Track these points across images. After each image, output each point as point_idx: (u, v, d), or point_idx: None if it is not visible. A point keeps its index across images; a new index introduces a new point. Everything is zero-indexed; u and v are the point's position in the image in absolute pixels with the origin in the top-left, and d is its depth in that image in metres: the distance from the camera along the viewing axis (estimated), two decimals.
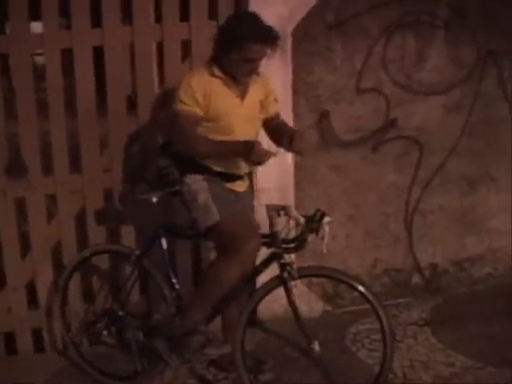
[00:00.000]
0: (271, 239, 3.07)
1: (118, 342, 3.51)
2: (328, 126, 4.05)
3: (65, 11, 3.68)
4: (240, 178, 3.29)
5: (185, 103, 3.07)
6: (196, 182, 3.16)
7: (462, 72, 4.24)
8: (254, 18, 3.08)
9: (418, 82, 4.17)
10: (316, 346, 3.06)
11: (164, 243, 3.35)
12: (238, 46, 3.01)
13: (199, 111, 3.09)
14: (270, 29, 3.03)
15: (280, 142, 3.12)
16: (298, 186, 4.01)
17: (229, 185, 3.24)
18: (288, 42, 3.81)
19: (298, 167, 3.99)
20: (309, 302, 4.17)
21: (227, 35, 3.06)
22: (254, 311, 4.00)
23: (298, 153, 3.22)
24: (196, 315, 3.21)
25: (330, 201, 4.15)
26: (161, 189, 3.30)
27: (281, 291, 3.15)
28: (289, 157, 3.91)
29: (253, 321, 4.05)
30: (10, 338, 3.93)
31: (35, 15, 3.62)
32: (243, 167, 3.25)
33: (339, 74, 4.00)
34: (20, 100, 3.66)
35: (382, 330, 3.09)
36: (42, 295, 3.87)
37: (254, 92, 3.22)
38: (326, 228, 2.97)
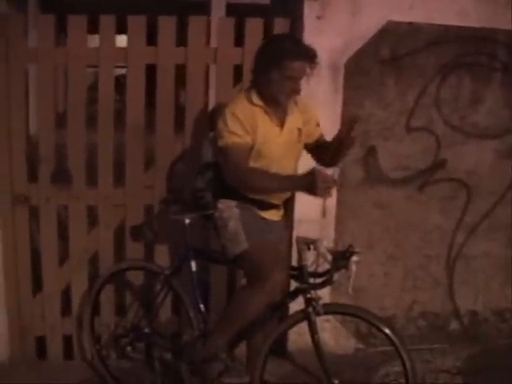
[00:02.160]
0: (298, 273, 3.02)
1: (143, 359, 3.52)
2: (374, 163, 3.99)
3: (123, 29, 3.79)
4: (275, 206, 3.25)
5: (235, 133, 3.02)
6: (228, 209, 3.15)
7: None
8: (293, 37, 3.14)
9: (470, 124, 4.06)
10: None
11: (193, 265, 3.35)
12: (279, 63, 3.00)
13: (250, 140, 3.05)
14: (309, 47, 3.03)
15: (326, 152, 3.10)
16: (339, 220, 3.96)
17: (262, 213, 3.22)
18: (340, 75, 3.80)
19: (340, 201, 3.95)
20: (340, 338, 4.11)
21: (267, 55, 3.06)
22: (282, 342, 3.99)
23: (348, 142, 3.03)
24: (218, 341, 3.19)
25: (371, 237, 4.07)
26: (194, 211, 3.31)
27: None
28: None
29: (281, 352, 4.04)
30: (41, 343, 4.01)
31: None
32: (279, 196, 3.22)
33: (390, 110, 3.93)
34: (71, 111, 3.76)
35: (406, 375, 2.99)
36: (76, 304, 3.93)
37: (293, 121, 3.20)
38: (353, 267, 2.89)
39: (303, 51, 3.02)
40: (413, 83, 3.95)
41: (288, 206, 3.77)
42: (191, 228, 3.36)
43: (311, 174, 2.84)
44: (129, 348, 3.52)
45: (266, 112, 3.12)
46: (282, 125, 3.16)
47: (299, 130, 3.23)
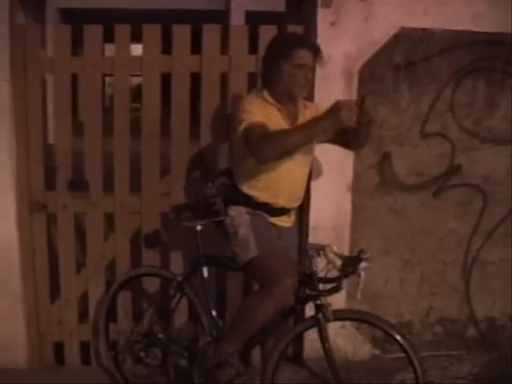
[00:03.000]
0: (308, 279, 3.03)
1: (157, 365, 3.55)
2: (389, 168, 3.98)
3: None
4: (286, 212, 3.27)
5: (255, 113, 3.02)
6: (238, 216, 3.19)
7: None
8: (296, 33, 3.30)
9: (486, 129, 4.03)
10: None
11: (205, 272, 3.37)
12: (287, 54, 3.09)
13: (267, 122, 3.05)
14: (310, 39, 3.25)
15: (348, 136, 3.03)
16: (355, 227, 3.95)
17: (273, 219, 3.23)
18: (354, 81, 3.80)
19: (355, 207, 3.95)
20: (356, 344, 4.10)
21: (274, 51, 3.17)
22: (299, 349, 3.99)
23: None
24: (229, 347, 3.20)
25: (387, 243, 4.06)
26: (205, 217, 3.33)
27: (330, 331, 3.10)
28: (347, 196, 3.92)
29: (298, 359, 4.04)
30: (59, 348, 4.06)
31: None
32: (290, 200, 3.23)
33: (404, 116, 3.92)
34: (87, 120, 3.82)
35: (417, 382, 2.99)
36: (93, 310, 3.96)
37: (303, 121, 3.19)
38: (362, 274, 2.89)
39: (308, 42, 3.21)
40: (427, 89, 3.94)
41: (302, 212, 3.80)
42: (202, 234, 3.38)
43: (334, 105, 2.85)
44: (142, 353, 3.54)
45: (278, 110, 3.17)
46: (293, 124, 3.18)
47: None
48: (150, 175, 3.87)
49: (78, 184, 3.90)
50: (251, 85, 3.89)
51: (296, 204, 3.33)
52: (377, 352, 4.13)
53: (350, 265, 2.93)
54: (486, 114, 4.04)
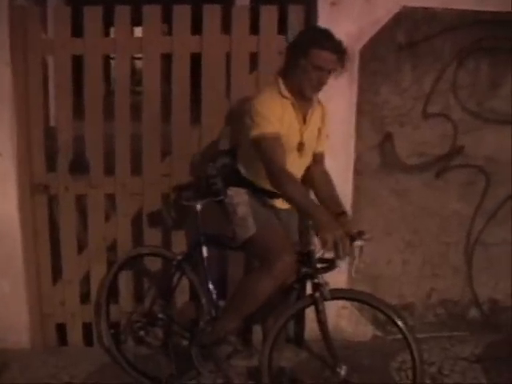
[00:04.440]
0: (306, 258, 3.02)
1: (158, 345, 3.58)
2: (391, 149, 3.96)
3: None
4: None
5: (267, 120, 2.99)
6: (238, 195, 3.19)
7: None
8: (325, 29, 3.08)
9: (489, 109, 4.00)
10: (342, 371, 2.97)
11: (205, 251, 3.38)
12: (307, 51, 2.99)
13: (280, 128, 3.02)
14: (339, 40, 3.01)
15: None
16: (356, 208, 3.92)
17: (272, 201, 3.23)
18: (355, 61, 3.76)
19: (356, 188, 3.92)
20: (358, 325, 4.10)
21: (297, 43, 3.08)
22: (300, 330, 4.00)
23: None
24: (226, 325, 3.21)
25: (389, 225, 4.05)
26: (205, 197, 3.34)
27: (331, 312, 3.12)
28: (349, 177, 3.91)
29: (298, 340, 4.05)
30: (62, 330, 4.08)
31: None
32: None
33: (406, 96, 3.90)
34: (88, 101, 3.81)
35: (413, 365, 2.95)
36: (95, 291, 3.99)
37: (315, 118, 3.22)
38: (356, 252, 2.88)
39: (333, 43, 3.01)
40: (429, 69, 3.91)
41: None
42: (203, 214, 3.38)
43: (335, 226, 2.76)
44: (142, 333, 3.56)
45: (292, 104, 3.11)
46: (305, 121, 3.16)
47: (319, 129, 3.26)
48: (151, 156, 3.87)
49: (79, 166, 3.91)
50: (252, 66, 3.88)
51: None
52: (378, 333, 4.14)
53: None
54: (489, 95, 4.01)
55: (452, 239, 4.17)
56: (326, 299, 3.00)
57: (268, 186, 3.12)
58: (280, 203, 3.26)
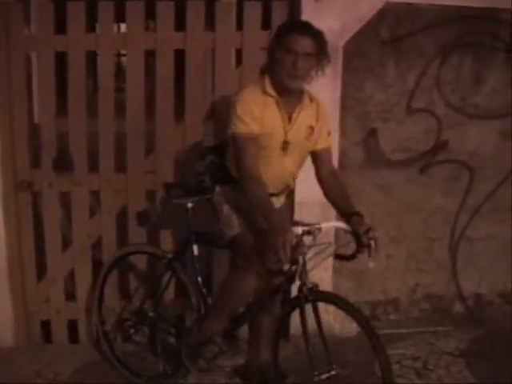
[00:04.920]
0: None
1: (147, 343, 3.62)
2: (375, 145, 3.98)
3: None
4: (275, 195, 3.20)
5: (243, 121, 2.95)
6: (225, 193, 3.18)
7: None
8: (301, 20, 3.10)
9: (473, 105, 4.03)
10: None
11: (195, 249, 3.37)
12: (280, 39, 2.94)
13: (256, 128, 2.97)
14: (315, 28, 2.94)
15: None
16: None
17: None
18: (339, 57, 3.77)
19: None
20: (344, 321, 4.10)
21: (275, 35, 3.03)
22: (286, 326, 4.00)
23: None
24: (212, 325, 3.21)
25: (373, 220, 3.97)
26: (196, 195, 3.32)
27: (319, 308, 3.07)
28: None
29: (284, 334, 4.04)
30: (46, 327, 4.06)
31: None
32: (276, 186, 3.18)
33: (390, 91, 3.92)
34: (72, 98, 3.78)
35: (383, 374, 2.87)
36: (80, 288, 3.98)
37: (305, 117, 3.10)
38: (372, 243, 2.91)
39: (305, 27, 2.95)
40: (413, 64, 3.93)
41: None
42: (193, 212, 3.36)
43: (284, 235, 2.72)
44: (132, 330, 3.56)
45: (276, 103, 3.03)
46: (290, 119, 3.07)
47: (311, 127, 3.13)
48: (135, 153, 3.86)
49: (63, 163, 3.90)
50: (237, 62, 3.88)
51: (286, 189, 3.30)
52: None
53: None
54: (473, 90, 4.04)
55: (436, 234, 4.20)
56: (307, 301, 2.93)
57: None
58: None
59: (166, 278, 3.55)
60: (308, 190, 3.84)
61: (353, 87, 3.86)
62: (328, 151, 3.25)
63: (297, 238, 2.81)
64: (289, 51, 2.92)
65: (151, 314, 3.58)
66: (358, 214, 3.04)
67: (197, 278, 3.39)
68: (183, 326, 3.48)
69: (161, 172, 3.87)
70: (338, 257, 3.05)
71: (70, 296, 4.03)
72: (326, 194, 3.25)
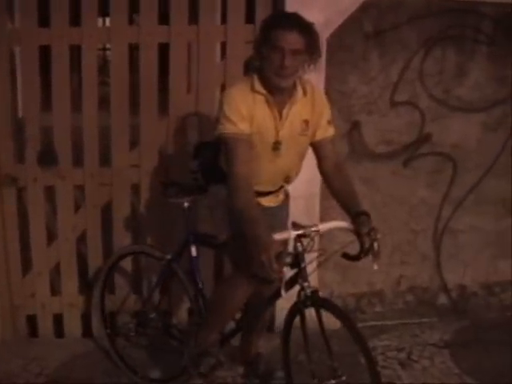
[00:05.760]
0: (294, 260, 2.80)
1: (148, 345, 3.60)
2: (359, 137, 3.99)
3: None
4: (272, 193, 3.10)
5: (231, 121, 2.80)
6: (218, 193, 3.03)
7: (503, 90, 4.10)
8: (287, 12, 2.86)
9: (456, 97, 4.06)
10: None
11: (194, 251, 3.31)
12: (265, 35, 2.76)
13: (245, 128, 2.82)
14: (300, 17, 2.77)
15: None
16: (325, 196, 3.88)
17: (257, 199, 2.96)
18: (323, 50, 3.77)
19: None
20: (328, 314, 4.12)
21: (260, 30, 2.84)
22: (271, 319, 4.00)
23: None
24: (207, 336, 3.15)
25: None
26: (191, 194, 3.26)
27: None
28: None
29: (270, 327, 4.05)
30: (32, 321, 4.05)
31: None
32: (273, 183, 3.06)
33: (374, 84, 3.93)
34: (56, 92, 3.77)
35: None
36: (65, 282, 3.98)
37: (298, 111, 2.93)
38: (375, 244, 2.88)
39: (291, 20, 2.75)
40: (396, 57, 3.94)
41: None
42: (190, 212, 3.31)
43: (266, 247, 2.55)
44: (132, 333, 3.52)
45: (267, 101, 2.87)
46: (281, 116, 2.90)
47: (306, 121, 2.96)
48: (119, 147, 3.85)
49: (48, 157, 3.89)
50: (221, 55, 3.89)
51: (286, 184, 3.16)
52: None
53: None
54: (456, 83, 4.06)
55: (420, 227, 4.23)
56: (306, 306, 2.84)
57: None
58: (266, 201, 3.08)
59: (165, 279, 3.48)
60: (293, 183, 3.86)
61: (336, 80, 3.87)
62: (329, 141, 3.05)
63: (279, 249, 2.59)
64: (275, 48, 2.74)
65: (153, 316, 3.51)
66: (365, 214, 2.88)
67: (196, 280, 3.31)
68: (170, 322, 3.46)
69: (145, 166, 3.87)
70: (345, 256, 2.86)
71: (56, 290, 4.02)
72: (330, 190, 3.07)
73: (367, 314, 4.21)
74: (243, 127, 2.83)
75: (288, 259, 2.71)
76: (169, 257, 3.44)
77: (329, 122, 3.05)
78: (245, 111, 2.84)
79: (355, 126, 3.97)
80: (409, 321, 4.21)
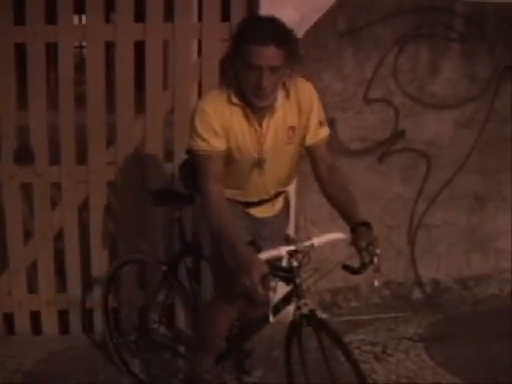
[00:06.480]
0: (289, 275, 2.60)
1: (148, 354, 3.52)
2: (334, 134, 4.00)
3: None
4: (265, 202, 2.86)
5: (202, 138, 2.57)
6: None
7: (476, 87, 4.18)
8: (262, 18, 2.53)
9: (429, 94, 4.12)
10: None
11: (188, 262, 3.28)
12: (239, 49, 2.45)
13: (219, 144, 2.59)
14: (280, 29, 2.45)
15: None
16: (300, 193, 3.97)
17: (249, 210, 2.83)
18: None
19: (300, 173, 3.94)
20: None
21: (231, 42, 2.54)
22: None
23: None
24: (199, 362, 3.05)
25: (332, 209, 4.07)
26: (181, 202, 3.19)
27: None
28: None
29: None
30: (9, 319, 4.04)
31: None
32: (267, 191, 2.82)
33: (348, 82, 3.98)
34: (31, 90, 3.76)
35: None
36: (42, 280, 3.98)
37: (281, 118, 2.65)
38: (375, 259, 2.68)
39: (265, 30, 2.41)
40: (370, 55, 4.00)
41: None
42: (181, 221, 3.22)
43: (251, 267, 2.32)
44: (133, 346, 3.49)
45: (244, 114, 2.61)
46: (261, 127, 2.63)
47: (292, 128, 2.68)
48: (95, 145, 3.86)
49: (25, 155, 3.88)
50: (198, 52, 3.90)
51: (283, 188, 2.93)
52: (324, 316, 4.20)
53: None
54: (429, 80, 4.13)
55: (395, 222, 4.29)
56: (303, 326, 2.64)
57: (239, 197, 2.79)
58: (259, 212, 2.87)
59: (163, 289, 3.39)
60: None
61: (311, 77, 3.89)
62: (322, 144, 2.81)
63: (265, 270, 2.32)
64: (250, 66, 2.44)
65: (154, 327, 3.43)
66: (365, 225, 2.71)
67: (192, 290, 3.24)
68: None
69: (121, 163, 3.88)
70: (345, 268, 2.71)
71: (32, 288, 4.02)
72: (326, 196, 2.85)
73: (343, 309, 4.26)
74: (217, 144, 2.60)
75: (274, 283, 2.35)
76: (164, 268, 3.31)
77: (320, 123, 2.79)
78: (218, 127, 2.59)
79: (330, 123, 3.96)
80: (384, 315, 4.25)
